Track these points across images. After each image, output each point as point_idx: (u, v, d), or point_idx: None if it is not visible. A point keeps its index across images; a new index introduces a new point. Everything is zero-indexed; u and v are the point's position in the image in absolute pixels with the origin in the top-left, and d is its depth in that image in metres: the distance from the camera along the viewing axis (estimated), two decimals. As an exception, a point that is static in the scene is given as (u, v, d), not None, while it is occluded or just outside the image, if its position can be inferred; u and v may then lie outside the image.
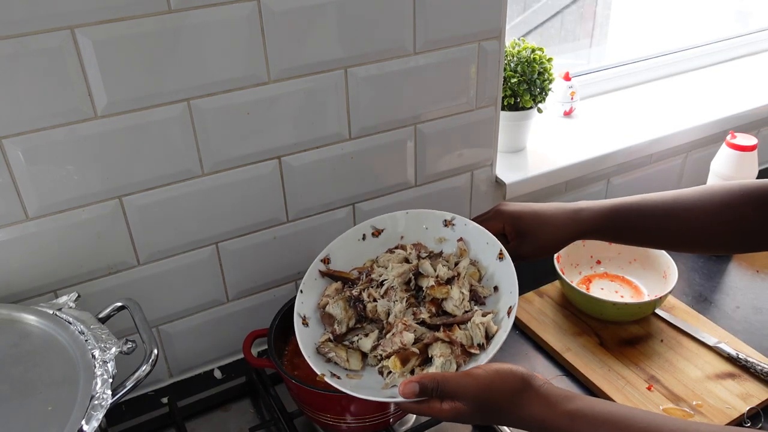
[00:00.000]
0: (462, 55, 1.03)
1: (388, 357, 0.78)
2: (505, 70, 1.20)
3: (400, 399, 0.70)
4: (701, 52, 1.68)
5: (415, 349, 0.77)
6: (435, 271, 0.84)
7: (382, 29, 0.94)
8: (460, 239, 0.89)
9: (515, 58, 1.23)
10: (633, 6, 1.91)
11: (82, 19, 0.76)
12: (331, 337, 0.82)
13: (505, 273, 0.83)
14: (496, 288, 0.84)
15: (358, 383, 0.78)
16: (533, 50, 1.23)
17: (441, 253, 0.89)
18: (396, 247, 0.90)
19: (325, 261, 0.88)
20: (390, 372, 0.77)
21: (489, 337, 0.78)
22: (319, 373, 0.76)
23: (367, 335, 0.82)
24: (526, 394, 0.70)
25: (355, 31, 0.92)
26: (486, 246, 0.86)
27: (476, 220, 0.89)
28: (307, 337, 0.81)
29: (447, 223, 0.90)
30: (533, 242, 0.88)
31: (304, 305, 0.84)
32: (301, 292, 0.85)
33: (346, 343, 0.82)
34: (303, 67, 0.91)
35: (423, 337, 0.79)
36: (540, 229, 0.87)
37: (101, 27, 0.77)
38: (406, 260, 0.87)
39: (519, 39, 1.26)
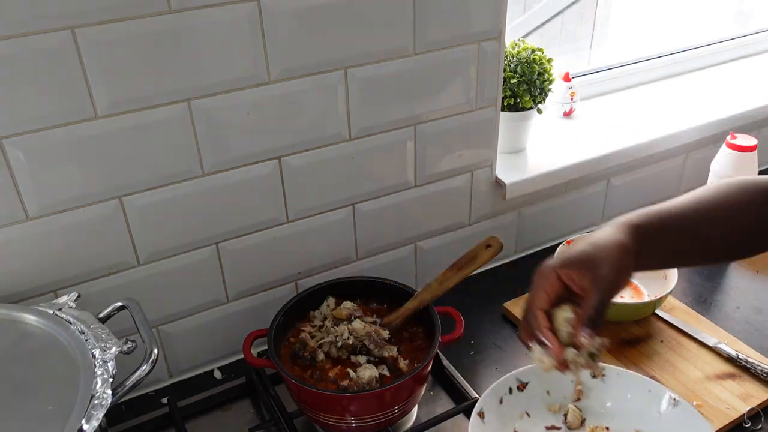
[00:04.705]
0: (462, 56, 1.03)
1: None
2: (504, 70, 1.20)
3: None
4: (701, 52, 1.68)
5: None
6: None
7: (382, 30, 0.94)
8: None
9: (515, 59, 1.23)
10: (633, 7, 1.91)
11: (83, 19, 0.76)
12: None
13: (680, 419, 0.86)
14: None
15: None
16: (533, 51, 1.23)
17: None
18: None
19: (481, 415, 0.87)
20: None
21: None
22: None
23: None
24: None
25: (355, 32, 0.92)
26: (649, 394, 0.89)
27: (532, 294, 0.75)
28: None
29: (595, 376, 0.92)
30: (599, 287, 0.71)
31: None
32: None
33: None
34: (303, 68, 0.91)
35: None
36: (595, 269, 0.72)
37: (102, 27, 0.77)
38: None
39: (519, 40, 1.26)
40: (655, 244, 0.76)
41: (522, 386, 0.91)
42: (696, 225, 0.78)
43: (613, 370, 0.92)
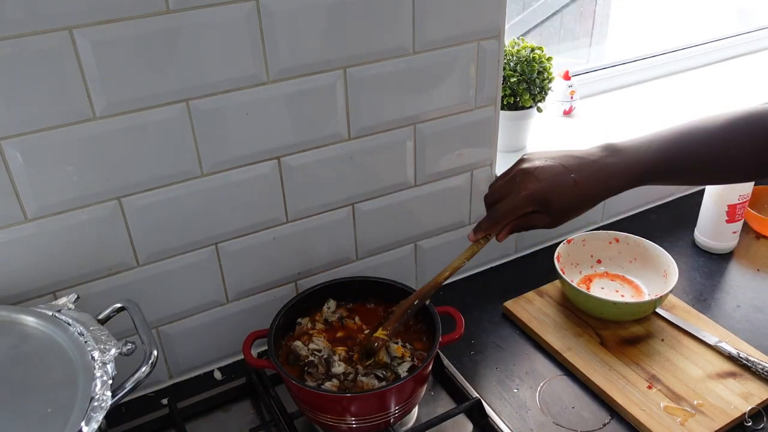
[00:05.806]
0: (461, 55, 1.03)
1: None
2: (504, 69, 1.20)
3: None
4: (701, 50, 1.68)
5: None
6: None
7: (381, 29, 0.94)
8: None
9: (514, 58, 1.22)
10: (633, 5, 1.91)
11: (80, 19, 0.76)
12: None
13: None
14: None
15: None
16: (532, 49, 1.23)
17: None
18: None
19: None
20: None
21: None
22: None
23: None
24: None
25: (354, 31, 0.92)
26: None
27: (503, 205, 0.84)
28: None
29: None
30: (564, 214, 0.83)
31: None
32: None
33: None
34: (302, 67, 0.91)
35: None
36: (573, 204, 0.83)
37: (99, 27, 0.77)
38: None
39: (518, 38, 1.26)
40: (664, 179, 0.86)
41: None
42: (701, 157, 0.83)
43: None
